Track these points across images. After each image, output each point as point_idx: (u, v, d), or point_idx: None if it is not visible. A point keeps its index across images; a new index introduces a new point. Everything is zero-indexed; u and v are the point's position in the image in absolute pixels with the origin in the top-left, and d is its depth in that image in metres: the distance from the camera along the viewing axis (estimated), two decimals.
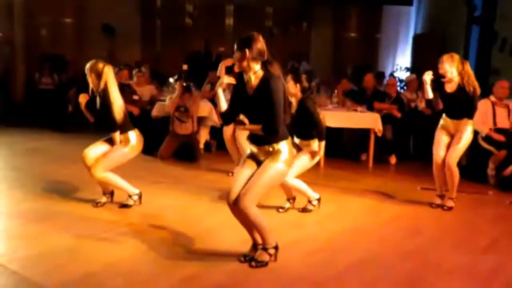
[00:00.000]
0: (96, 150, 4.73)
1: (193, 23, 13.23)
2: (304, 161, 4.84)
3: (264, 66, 3.46)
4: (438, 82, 5.13)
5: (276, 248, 3.63)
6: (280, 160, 3.49)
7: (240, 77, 3.57)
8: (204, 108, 7.61)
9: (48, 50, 11.36)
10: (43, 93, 10.40)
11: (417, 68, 12.04)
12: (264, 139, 3.50)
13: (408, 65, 13.38)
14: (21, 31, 11.78)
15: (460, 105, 5.08)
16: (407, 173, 7.08)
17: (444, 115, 5.28)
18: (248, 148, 3.69)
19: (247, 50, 3.40)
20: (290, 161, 3.58)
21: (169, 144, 7.23)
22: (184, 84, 7.21)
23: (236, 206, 3.45)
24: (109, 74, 4.61)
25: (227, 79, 3.55)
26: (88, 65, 4.64)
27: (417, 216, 5.08)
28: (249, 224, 3.59)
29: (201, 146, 7.70)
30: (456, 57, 5.10)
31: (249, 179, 3.50)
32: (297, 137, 4.95)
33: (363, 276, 3.58)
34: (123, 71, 7.96)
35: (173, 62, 11.38)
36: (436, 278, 3.61)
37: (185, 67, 7.82)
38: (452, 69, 5.05)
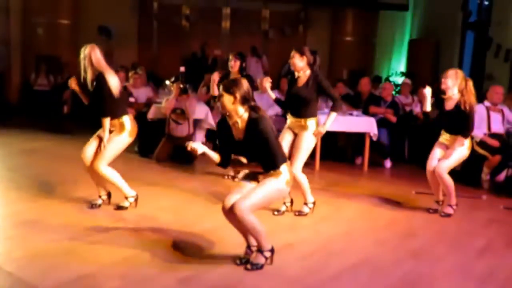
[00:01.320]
0: (92, 148, 4.75)
1: (189, 25, 13.25)
2: (309, 144, 4.86)
3: (250, 109, 3.53)
4: (438, 99, 5.17)
5: (271, 251, 3.64)
6: (281, 179, 3.54)
7: (224, 122, 3.64)
8: (201, 111, 7.62)
9: (44, 51, 11.34)
10: (39, 94, 10.39)
11: (412, 72, 12.12)
12: (264, 172, 3.58)
13: (403, 70, 13.45)
14: (17, 32, 11.76)
15: (457, 123, 5.10)
16: (402, 177, 7.11)
17: (443, 130, 5.30)
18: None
19: (236, 93, 3.47)
20: (290, 182, 3.63)
21: (165, 146, 7.23)
22: (181, 86, 7.22)
23: (231, 213, 3.47)
24: (92, 53, 4.61)
25: (199, 147, 3.55)
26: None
27: (411, 219, 5.11)
28: (244, 230, 3.61)
29: None
30: (461, 74, 5.09)
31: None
32: (293, 115, 4.97)
33: (358, 278, 3.60)
34: (120, 73, 7.95)
35: (170, 64, 11.39)
36: (432, 281, 3.64)
37: (182, 69, 7.83)
38: (454, 86, 5.06)
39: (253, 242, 3.68)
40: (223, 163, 3.69)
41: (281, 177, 3.54)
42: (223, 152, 3.66)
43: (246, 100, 3.52)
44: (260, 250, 3.61)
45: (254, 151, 3.53)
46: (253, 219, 3.47)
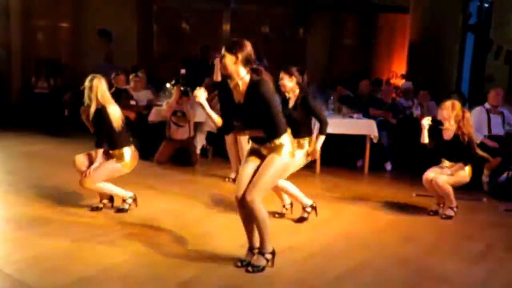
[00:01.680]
0: (82, 160, 4.73)
1: (189, 28, 13.25)
2: (300, 161, 4.77)
3: (252, 71, 3.45)
4: (436, 129, 5.22)
5: (273, 253, 3.64)
6: (283, 153, 3.49)
7: (225, 85, 3.56)
8: (201, 114, 7.61)
9: (44, 54, 11.33)
10: (39, 97, 10.38)
11: (412, 75, 12.11)
12: (266, 138, 3.51)
13: (404, 72, 13.45)
14: (17, 35, 11.75)
15: (457, 152, 5.16)
16: (403, 179, 7.09)
17: (443, 158, 5.36)
18: (250, 145, 3.71)
19: (238, 54, 3.40)
20: (293, 153, 3.58)
21: (165, 149, 7.23)
22: (182, 89, 7.22)
23: (243, 201, 3.45)
24: (99, 85, 4.61)
25: (200, 95, 3.48)
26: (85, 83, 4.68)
27: (412, 222, 5.10)
28: (251, 224, 3.58)
29: (198, 151, 7.70)
30: (458, 105, 5.16)
31: (254, 174, 3.51)
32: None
33: (358, 281, 3.59)
34: (120, 76, 7.96)
35: (170, 67, 11.38)
36: (431, 284, 3.63)
37: (183, 71, 7.83)
38: (451, 118, 5.12)
39: (255, 244, 3.66)
40: (225, 128, 3.64)
41: (283, 151, 3.48)
42: (224, 116, 3.59)
43: (248, 62, 3.43)
44: (261, 252, 3.60)
45: (255, 116, 3.44)
46: (263, 211, 3.47)
